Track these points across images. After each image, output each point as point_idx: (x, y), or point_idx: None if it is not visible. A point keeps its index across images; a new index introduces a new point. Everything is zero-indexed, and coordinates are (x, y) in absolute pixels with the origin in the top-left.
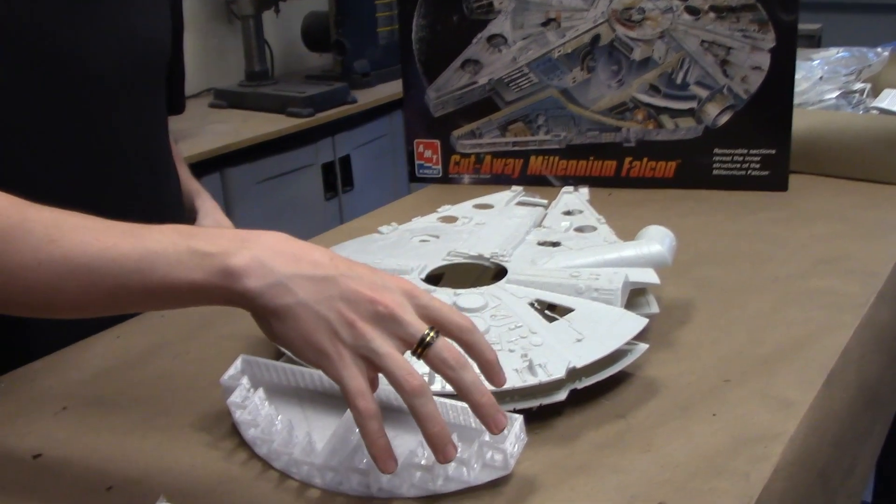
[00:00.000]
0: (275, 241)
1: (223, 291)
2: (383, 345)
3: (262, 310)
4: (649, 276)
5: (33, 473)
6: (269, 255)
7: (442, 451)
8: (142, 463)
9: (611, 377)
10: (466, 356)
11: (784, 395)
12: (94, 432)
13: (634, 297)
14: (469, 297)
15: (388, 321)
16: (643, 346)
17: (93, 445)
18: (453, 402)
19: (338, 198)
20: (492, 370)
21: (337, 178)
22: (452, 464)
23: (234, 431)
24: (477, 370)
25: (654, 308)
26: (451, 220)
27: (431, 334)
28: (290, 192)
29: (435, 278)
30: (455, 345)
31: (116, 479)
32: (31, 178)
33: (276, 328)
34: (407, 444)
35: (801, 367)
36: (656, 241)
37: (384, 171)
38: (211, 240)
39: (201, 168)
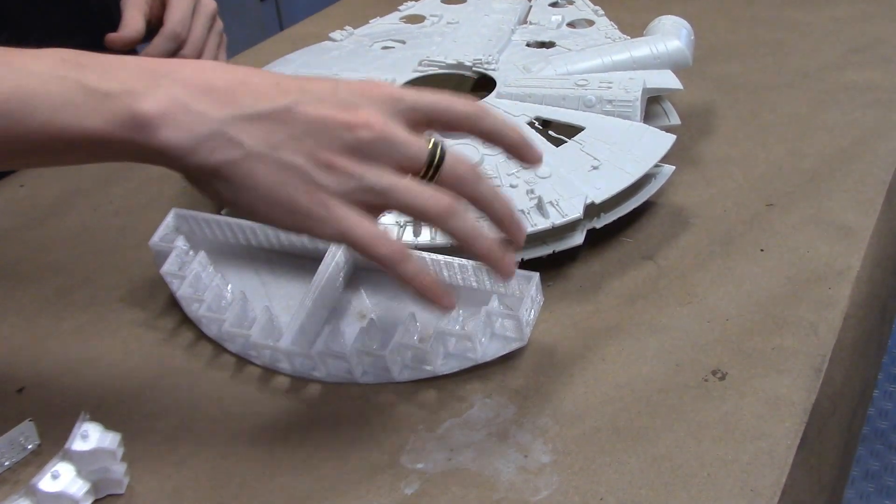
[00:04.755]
0: (198, 71)
1: (134, 147)
2: (382, 177)
3: (198, 171)
4: (670, 81)
5: None
6: (192, 93)
7: (496, 260)
8: (60, 353)
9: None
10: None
11: (841, 220)
12: None
13: (649, 106)
14: None
15: (377, 147)
16: (669, 169)
17: None
18: (448, 258)
19: None
20: (527, 152)
21: None
22: (453, 339)
23: (175, 304)
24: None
25: (675, 119)
26: (416, 19)
27: (438, 149)
28: None
29: None
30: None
31: (29, 376)
32: None
33: (227, 194)
34: (395, 315)
35: (855, 183)
36: (673, 35)
37: None
38: (109, 72)
39: None
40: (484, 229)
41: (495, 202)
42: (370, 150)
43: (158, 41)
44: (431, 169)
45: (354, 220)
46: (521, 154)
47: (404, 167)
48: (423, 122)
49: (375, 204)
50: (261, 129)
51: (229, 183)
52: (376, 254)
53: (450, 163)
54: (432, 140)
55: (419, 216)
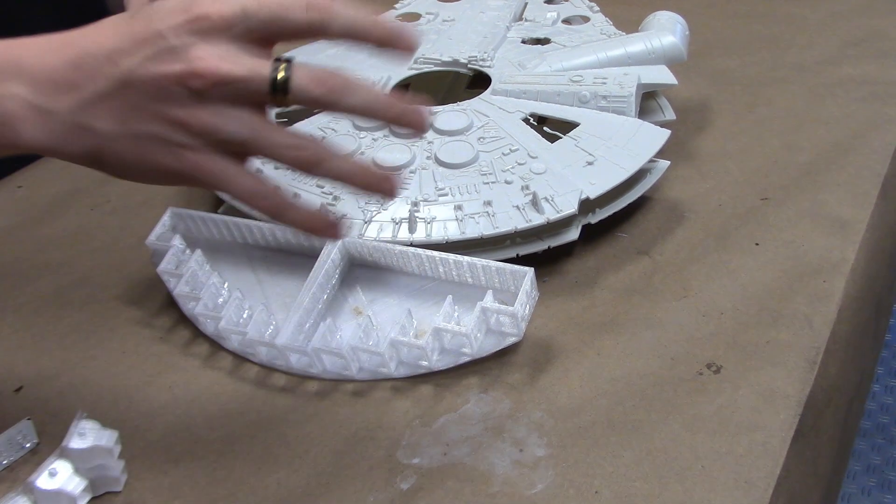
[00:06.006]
0: (38, 57)
1: (9, 142)
2: (240, 126)
3: (76, 160)
4: (664, 76)
5: None
6: (35, 91)
7: (379, 187)
8: (57, 352)
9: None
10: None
11: (836, 213)
12: None
13: (644, 101)
14: (448, 117)
15: (215, 93)
16: (664, 164)
17: None
18: (443, 255)
19: None
20: (401, 38)
21: None
22: (448, 335)
23: (172, 302)
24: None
25: (670, 114)
26: (412, 17)
27: (281, 68)
28: None
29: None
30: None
31: (27, 375)
32: None
33: (110, 173)
34: (391, 311)
35: (851, 176)
36: (667, 30)
37: None
38: None
39: None
40: (359, 166)
41: (377, 107)
42: (210, 97)
43: None
44: (279, 93)
45: (229, 172)
46: (396, 43)
47: (255, 101)
48: (268, 37)
49: (241, 153)
50: (106, 109)
51: (104, 165)
52: (256, 208)
53: (298, 79)
54: (278, 62)
55: (287, 165)
